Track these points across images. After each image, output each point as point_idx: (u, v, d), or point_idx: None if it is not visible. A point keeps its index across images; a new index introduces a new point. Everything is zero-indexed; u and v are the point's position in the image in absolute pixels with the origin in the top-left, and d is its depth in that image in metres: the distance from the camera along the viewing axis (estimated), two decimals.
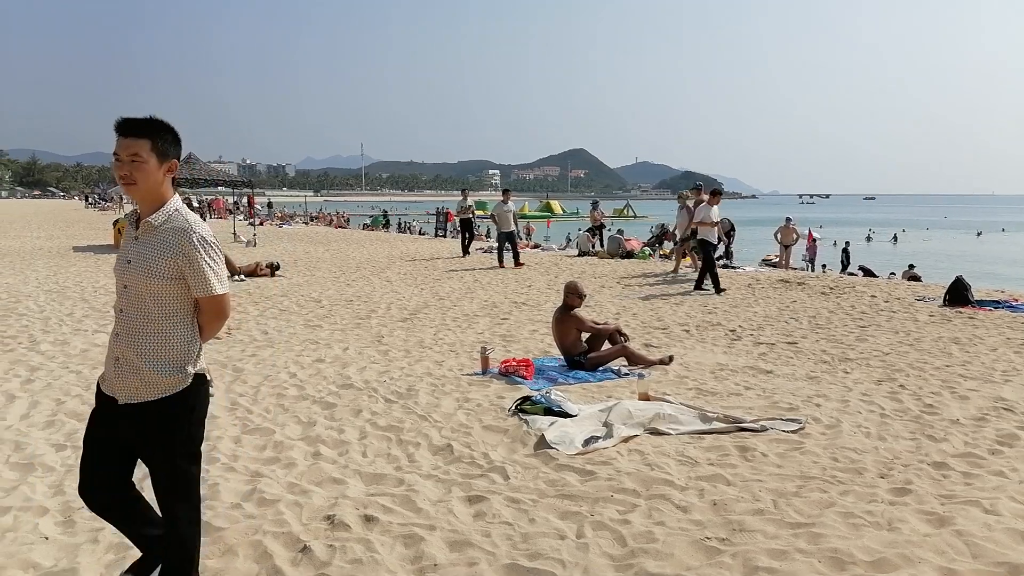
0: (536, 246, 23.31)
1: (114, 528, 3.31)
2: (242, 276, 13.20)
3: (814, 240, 25.32)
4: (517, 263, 15.69)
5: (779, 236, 20.55)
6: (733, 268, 16.14)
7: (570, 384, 5.95)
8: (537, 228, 37.26)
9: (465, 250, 18.38)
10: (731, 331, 8.37)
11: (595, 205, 23.08)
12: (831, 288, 11.98)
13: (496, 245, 16.72)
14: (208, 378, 2.66)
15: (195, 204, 38.99)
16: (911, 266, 22.20)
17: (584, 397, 5.51)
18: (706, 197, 14.13)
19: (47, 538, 3.27)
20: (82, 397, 5.48)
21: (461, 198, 19.63)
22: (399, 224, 44.01)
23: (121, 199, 50.24)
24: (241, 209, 37.49)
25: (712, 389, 5.80)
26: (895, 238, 49.76)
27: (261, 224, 33.21)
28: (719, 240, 13.20)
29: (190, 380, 2.52)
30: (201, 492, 3.68)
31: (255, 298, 10.79)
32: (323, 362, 6.70)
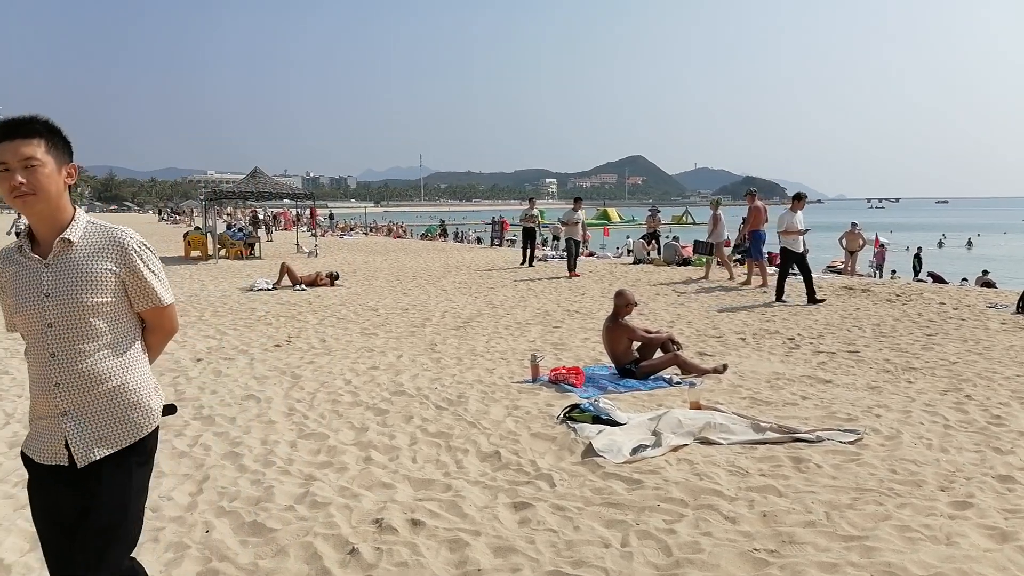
0: (591, 254, 23.21)
1: (174, 528, 3.47)
2: (303, 286, 13.58)
3: (881, 245, 24.50)
4: (572, 272, 15.40)
5: (844, 242, 19.96)
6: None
7: (620, 392, 5.92)
8: (593, 236, 37.12)
9: (528, 260, 17.77)
10: (789, 339, 8.17)
11: (654, 212, 22.71)
12: (897, 295, 11.57)
13: (564, 254, 16.73)
14: (175, 407, 2.33)
15: (260, 216, 40.22)
16: (985, 272, 21.23)
17: (634, 405, 5.48)
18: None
19: None
20: None
21: (527, 206, 18.68)
22: (455, 233, 44.47)
23: (193, 212, 52.23)
24: (304, 221, 38.53)
25: (767, 399, 5.68)
26: (969, 243, 47.66)
27: (323, 235, 34.06)
28: (805, 249, 12.33)
29: (158, 415, 2.18)
30: (256, 494, 3.81)
31: (314, 307, 11.09)
32: (377, 369, 6.85)
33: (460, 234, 42.32)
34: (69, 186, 2.09)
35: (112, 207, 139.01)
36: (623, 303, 6.59)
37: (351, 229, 44.88)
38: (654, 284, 13.84)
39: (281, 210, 55.74)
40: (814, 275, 14.77)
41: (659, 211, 22.95)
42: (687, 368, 6.47)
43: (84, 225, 2.08)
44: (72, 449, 2.02)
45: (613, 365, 6.60)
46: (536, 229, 18.69)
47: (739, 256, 16.53)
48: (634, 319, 6.91)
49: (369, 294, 12.69)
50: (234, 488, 3.98)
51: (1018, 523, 3.32)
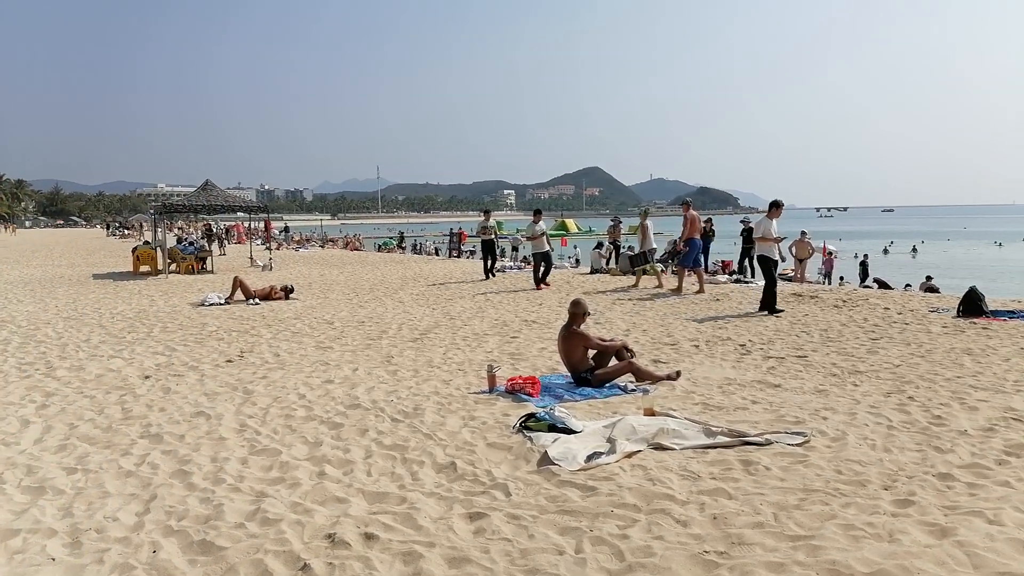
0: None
1: (120, 549, 3.39)
2: (257, 300, 13.35)
3: (829, 253, 25.16)
4: (543, 283, 15.21)
5: (793, 250, 20.45)
6: (746, 283, 16.08)
7: (576, 401, 5.96)
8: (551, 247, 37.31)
9: (488, 273, 17.56)
10: (741, 345, 8.34)
11: (616, 223, 22.72)
12: (844, 301, 11.90)
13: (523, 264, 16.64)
14: None
15: (213, 229, 39.46)
16: (928, 277, 22.00)
17: (589, 413, 5.52)
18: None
19: (54, 559, 3.33)
20: (95, 421, 5.58)
21: (483, 219, 18.54)
22: (413, 245, 44.30)
23: (142, 226, 51.05)
24: (259, 234, 37.94)
25: (719, 404, 5.78)
26: (914, 250, 49.30)
27: (278, 248, 33.57)
28: (782, 257, 12.53)
29: None
30: (205, 512, 3.74)
31: (268, 321, 10.91)
32: (332, 383, 6.77)
33: (418, 246, 42.19)
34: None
35: (58, 222, 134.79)
36: (578, 312, 6.65)
37: (307, 241, 44.33)
38: (609, 293, 13.97)
39: (234, 223, 54.79)
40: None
41: (621, 221, 23.12)
42: (641, 375, 6.54)
43: None
44: None
45: (569, 374, 6.64)
46: (495, 241, 18.44)
47: (662, 264, 17.06)
48: (590, 328, 6.97)
49: (325, 307, 12.55)
50: (182, 507, 3.89)
51: (957, 519, 3.44)
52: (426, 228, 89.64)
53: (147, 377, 7.15)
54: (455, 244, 34.20)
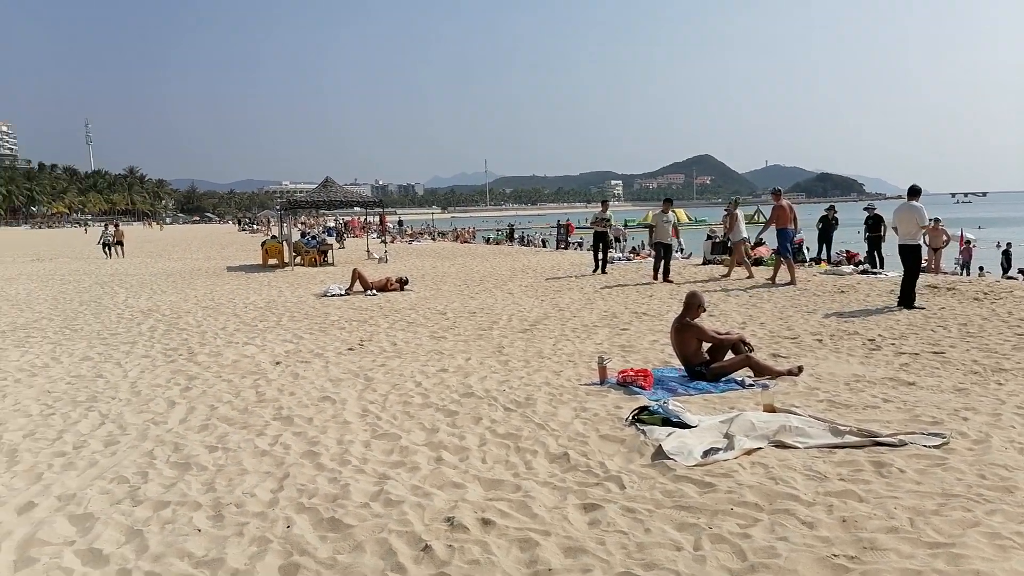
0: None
1: (257, 523, 3.63)
2: (374, 291, 13.90)
3: (967, 242, 23.32)
4: (666, 278, 14.48)
5: (927, 239, 19.07)
6: (874, 274, 15.16)
7: (691, 395, 5.83)
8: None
9: (600, 266, 16.64)
10: (869, 340, 7.88)
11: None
12: (985, 293, 10.99)
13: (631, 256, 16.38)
14: None
15: (332, 224, 41.35)
16: None
17: (705, 408, 5.39)
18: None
19: (200, 530, 3.61)
20: (232, 403, 5.99)
21: (600, 209, 17.31)
22: (521, 237, 44.67)
23: (269, 222, 54.18)
24: (375, 228, 39.43)
25: (846, 401, 5.49)
26: None
27: (392, 241, 34.75)
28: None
29: None
30: (333, 491, 3.94)
31: (385, 311, 11.33)
32: (446, 372, 6.95)
33: (524, 238, 42.47)
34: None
35: (195, 218, 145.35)
36: (693, 304, 6.50)
37: (419, 235, 45.64)
38: (724, 284, 13.56)
39: (351, 218, 57.15)
40: (892, 274, 14.18)
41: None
42: (760, 370, 6.32)
43: None
44: None
45: (683, 367, 6.51)
46: (608, 233, 17.46)
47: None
48: (704, 320, 6.79)
49: (437, 298, 12.89)
50: (313, 485, 4.12)
51: None
52: (533, 220, 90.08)
53: (278, 363, 7.60)
54: (563, 236, 34.19)
